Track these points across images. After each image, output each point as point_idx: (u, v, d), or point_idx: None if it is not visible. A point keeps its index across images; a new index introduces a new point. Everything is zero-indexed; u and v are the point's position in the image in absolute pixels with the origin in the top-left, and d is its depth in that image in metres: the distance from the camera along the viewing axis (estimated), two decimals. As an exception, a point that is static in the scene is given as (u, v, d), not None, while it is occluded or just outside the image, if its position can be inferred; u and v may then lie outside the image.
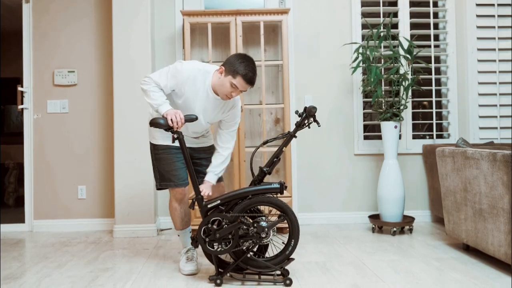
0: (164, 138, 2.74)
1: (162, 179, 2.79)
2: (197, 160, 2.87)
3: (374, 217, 3.83)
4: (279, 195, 2.54)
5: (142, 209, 3.83)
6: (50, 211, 4.09)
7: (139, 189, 3.82)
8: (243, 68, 2.51)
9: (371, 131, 4.31)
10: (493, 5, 4.18)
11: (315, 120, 2.58)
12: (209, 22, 3.81)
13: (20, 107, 4.14)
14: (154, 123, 2.52)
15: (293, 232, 2.51)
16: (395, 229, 3.64)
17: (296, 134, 2.63)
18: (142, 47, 3.86)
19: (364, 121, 4.21)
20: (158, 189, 2.87)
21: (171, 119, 2.47)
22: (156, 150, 2.79)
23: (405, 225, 3.69)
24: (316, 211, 4.17)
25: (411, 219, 3.77)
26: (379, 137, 4.06)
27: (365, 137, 4.22)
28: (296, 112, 2.63)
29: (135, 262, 3.03)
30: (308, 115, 2.57)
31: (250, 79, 2.54)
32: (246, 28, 3.97)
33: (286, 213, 2.52)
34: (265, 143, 2.70)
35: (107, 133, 4.09)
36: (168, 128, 2.51)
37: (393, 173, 3.72)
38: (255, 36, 4.00)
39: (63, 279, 2.69)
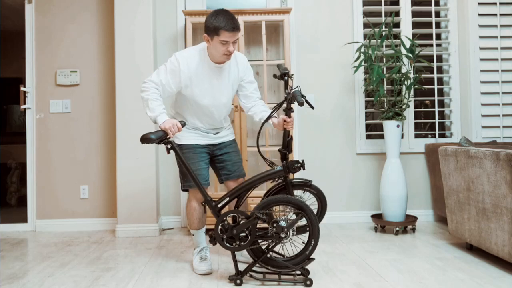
0: (188, 138, 2.76)
1: (185, 180, 2.76)
2: (219, 157, 2.85)
3: (377, 217, 3.83)
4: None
5: (145, 208, 3.83)
6: (53, 210, 4.09)
7: (141, 188, 3.82)
8: (220, 22, 2.50)
9: (373, 130, 4.30)
10: (495, 3, 4.16)
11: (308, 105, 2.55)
12: (211, 21, 3.80)
13: (22, 107, 4.14)
14: (145, 139, 2.52)
15: (313, 232, 2.50)
16: (397, 228, 3.64)
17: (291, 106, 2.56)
18: (144, 47, 3.86)
19: (366, 120, 4.20)
20: (182, 190, 2.83)
21: (170, 130, 2.50)
22: (180, 150, 2.75)
23: (407, 224, 3.68)
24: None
25: (414, 218, 3.76)
26: (381, 136, 4.05)
27: (367, 136, 4.22)
28: (274, 76, 2.62)
29: (137, 261, 3.03)
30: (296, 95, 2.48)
31: (232, 26, 2.50)
32: (248, 28, 3.96)
33: (305, 212, 2.49)
34: (268, 117, 2.63)
35: (110, 133, 4.09)
36: (160, 141, 2.53)
37: (396, 172, 3.72)
38: (257, 35, 4.00)
39: (65, 278, 2.70)
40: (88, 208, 4.11)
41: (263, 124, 2.66)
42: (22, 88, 4.16)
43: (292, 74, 2.63)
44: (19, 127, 6.91)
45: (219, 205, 2.56)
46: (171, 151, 2.60)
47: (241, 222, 2.47)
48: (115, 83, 3.86)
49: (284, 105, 2.56)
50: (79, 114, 4.13)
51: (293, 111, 2.57)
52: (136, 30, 3.86)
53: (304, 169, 2.57)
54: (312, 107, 2.60)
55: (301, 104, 2.41)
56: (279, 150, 2.60)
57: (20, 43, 4.37)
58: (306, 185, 2.71)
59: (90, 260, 3.08)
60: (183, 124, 2.58)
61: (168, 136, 2.54)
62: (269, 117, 2.63)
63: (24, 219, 4.14)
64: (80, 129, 4.12)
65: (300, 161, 2.56)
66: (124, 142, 3.83)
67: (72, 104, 4.12)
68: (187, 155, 2.73)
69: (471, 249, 3.13)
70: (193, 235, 2.89)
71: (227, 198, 2.56)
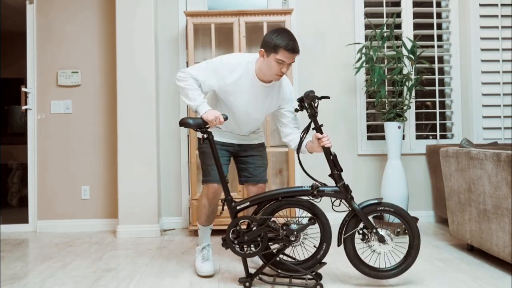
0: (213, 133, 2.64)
1: (203, 174, 2.71)
2: (243, 157, 2.78)
3: (378, 218, 3.83)
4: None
5: (146, 209, 3.83)
6: (54, 211, 4.09)
7: (142, 189, 3.83)
8: (281, 40, 2.40)
9: (375, 132, 4.31)
10: (496, 5, 4.17)
11: (320, 98, 2.46)
12: (213, 22, 3.81)
13: (23, 107, 4.15)
14: (183, 123, 2.46)
15: (325, 236, 2.47)
16: (398, 229, 3.63)
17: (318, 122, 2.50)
18: (145, 48, 3.87)
19: (367, 121, 4.20)
20: (203, 183, 2.76)
21: (212, 122, 2.41)
22: (201, 144, 2.70)
23: (408, 225, 3.67)
24: (328, 211, 4.14)
25: (415, 219, 3.76)
26: (383, 138, 4.05)
27: (369, 138, 4.22)
28: (296, 110, 2.57)
29: (138, 262, 3.04)
30: (309, 103, 2.44)
31: (293, 47, 2.42)
32: (250, 29, 3.96)
33: (317, 216, 2.47)
34: (301, 142, 2.58)
35: (111, 134, 4.10)
36: (198, 128, 2.47)
37: (397, 173, 3.72)
38: (259, 36, 3.99)
39: (66, 279, 2.70)
40: (89, 209, 4.11)
41: (298, 149, 2.58)
42: (23, 89, 4.16)
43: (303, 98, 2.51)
44: (20, 128, 6.92)
45: (238, 207, 2.50)
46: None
47: (253, 229, 2.43)
48: (116, 83, 3.86)
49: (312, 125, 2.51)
50: (80, 115, 4.13)
51: (322, 125, 2.52)
52: (137, 30, 3.87)
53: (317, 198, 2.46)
54: (328, 97, 2.52)
55: (312, 96, 2.39)
56: (329, 175, 2.51)
57: (21, 44, 4.38)
58: (377, 205, 2.46)
59: (91, 261, 3.08)
60: (225, 118, 2.48)
61: (207, 126, 2.46)
62: (301, 141, 2.56)
63: (25, 220, 4.14)
64: (81, 130, 4.13)
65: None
66: (125, 143, 3.83)
67: (73, 104, 4.13)
68: (207, 149, 2.64)
69: (472, 250, 3.13)
70: (199, 229, 2.84)
71: (247, 203, 2.49)
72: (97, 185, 4.12)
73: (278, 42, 2.41)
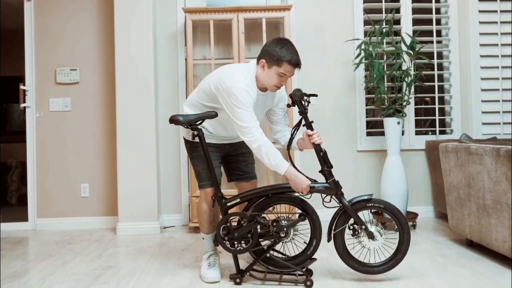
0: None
1: (200, 179, 2.61)
2: (234, 156, 2.74)
3: (377, 214, 3.83)
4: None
5: (146, 207, 3.83)
6: (53, 209, 4.09)
7: (142, 187, 3.83)
8: (285, 54, 2.34)
9: (374, 128, 4.30)
10: (495, 0, 4.16)
11: (308, 96, 2.44)
12: (211, 19, 3.80)
13: (22, 105, 4.14)
14: (173, 120, 2.44)
15: (315, 232, 2.49)
16: (398, 225, 3.63)
17: (309, 120, 2.49)
18: (144, 45, 3.86)
19: (366, 117, 4.20)
20: (200, 188, 2.70)
21: (302, 190, 2.38)
22: (192, 148, 2.63)
23: (408, 221, 3.67)
24: (319, 207, 4.14)
25: (415, 215, 3.77)
26: (382, 133, 4.05)
27: (368, 134, 4.22)
28: (288, 105, 2.56)
29: (138, 259, 3.04)
30: (298, 100, 2.43)
31: (296, 62, 2.37)
32: (248, 25, 3.96)
33: (307, 212, 2.48)
34: (291, 139, 2.59)
35: (110, 131, 4.09)
36: (189, 125, 2.45)
37: (396, 169, 3.72)
38: (257, 33, 3.99)
39: (66, 277, 2.70)
40: (89, 207, 4.11)
41: (288, 147, 2.58)
42: (21, 87, 4.16)
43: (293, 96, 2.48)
44: (19, 126, 6.91)
45: (228, 204, 2.50)
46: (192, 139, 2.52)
47: (243, 225, 2.44)
48: (115, 81, 3.86)
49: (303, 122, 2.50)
50: (79, 113, 4.12)
51: (313, 122, 2.50)
52: (136, 28, 3.85)
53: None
54: (315, 95, 2.52)
55: (300, 94, 2.39)
56: (320, 171, 2.49)
57: (20, 42, 4.36)
58: (367, 201, 2.45)
59: (91, 259, 3.08)
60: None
61: (198, 122, 2.44)
62: (292, 137, 2.55)
63: (24, 218, 4.14)
64: (80, 128, 4.12)
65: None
66: (124, 140, 3.83)
67: (72, 102, 4.12)
68: (198, 153, 2.59)
69: (472, 245, 3.14)
70: (203, 238, 2.71)
71: (238, 200, 2.50)
72: (96, 182, 4.12)
73: (282, 55, 2.35)
